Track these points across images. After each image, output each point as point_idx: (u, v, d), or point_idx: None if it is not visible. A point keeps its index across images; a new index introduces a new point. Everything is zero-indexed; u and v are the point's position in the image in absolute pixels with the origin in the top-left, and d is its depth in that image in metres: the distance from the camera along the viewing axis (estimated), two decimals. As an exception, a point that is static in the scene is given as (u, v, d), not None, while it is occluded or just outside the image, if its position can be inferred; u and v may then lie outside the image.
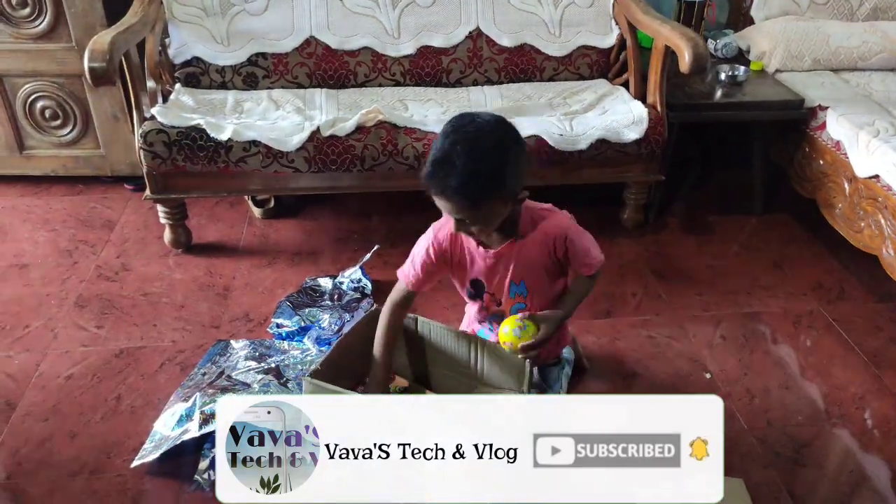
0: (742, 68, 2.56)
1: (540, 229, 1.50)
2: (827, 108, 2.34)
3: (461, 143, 1.30)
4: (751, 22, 2.86)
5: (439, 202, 1.35)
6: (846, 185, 2.21)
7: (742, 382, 1.87)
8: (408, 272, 1.55)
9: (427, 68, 2.54)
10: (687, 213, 2.67)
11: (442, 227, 1.52)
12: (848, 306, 2.18)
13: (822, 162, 2.34)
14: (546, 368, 1.73)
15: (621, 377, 1.88)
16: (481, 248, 1.51)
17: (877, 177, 2.07)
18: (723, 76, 2.54)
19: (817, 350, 2.00)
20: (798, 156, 2.48)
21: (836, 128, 2.27)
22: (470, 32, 2.52)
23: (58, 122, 2.59)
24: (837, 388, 1.87)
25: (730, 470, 1.59)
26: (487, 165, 1.31)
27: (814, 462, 1.65)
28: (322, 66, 2.48)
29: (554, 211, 1.53)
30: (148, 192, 2.20)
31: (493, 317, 1.65)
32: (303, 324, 1.95)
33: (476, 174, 1.29)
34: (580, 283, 1.59)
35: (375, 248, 2.24)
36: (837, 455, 1.68)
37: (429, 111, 2.33)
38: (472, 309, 1.70)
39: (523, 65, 2.57)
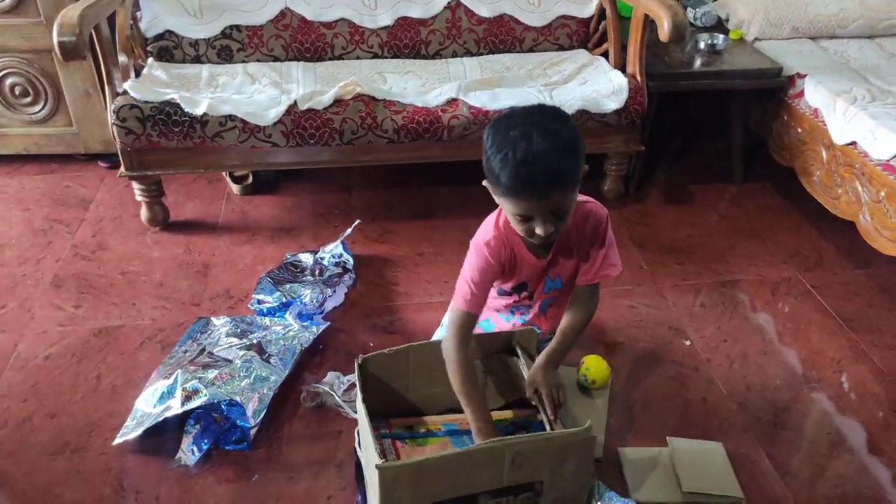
0: (721, 37, 2.55)
1: (582, 219, 1.48)
2: (805, 75, 2.34)
3: (536, 132, 1.25)
4: (729, -10, 2.85)
5: (529, 205, 1.29)
6: (824, 153, 2.22)
7: (721, 349, 1.89)
8: (469, 298, 1.44)
9: (405, 40, 2.50)
10: (667, 183, 2.67)
11: (492, 237, 1.46)
12: (825, 273, 2.20)
13: (800, 130, 2.35)
14: (543, 343, 1.74)
15: (603, 347, 1.89)
16: (532, 256, 1.49)
17: (854, 144, 2.08)
18: (702, 45, 2.53)
19: (795, 316, 2.03)
20: (776, 124, 2.49)
21: (814, 95, 2.28)
22: (448, 3, 2.49)
23: (28, 100, 2.53)
24: (815, 352, 1.89)
25: (710, 435, 1.63)
26: (567, 148, 1.27)
27: (792, 425, 1.67)
28: (298, 39, 2.44)
29: (592, 200, 1.52)
30: (123, 169, 2.16)
31: (520, 307, 1.65)
32: (284, 300, 1.94)
33: (566, 156, 1.26)
34: (579, 307, 1.54)
35: (356, 222, 2.23)
36: (815, 418, 1.71)
37: (408, 83, 2.30)
38: (494, 300, 1.66)
39: (502, 35, 2.55)
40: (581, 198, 1.46)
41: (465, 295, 1.44)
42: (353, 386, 1.68)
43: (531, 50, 2.57)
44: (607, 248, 1.51)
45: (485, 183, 1.37)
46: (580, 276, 1.55)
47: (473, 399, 1.37)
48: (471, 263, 1.47)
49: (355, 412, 1.58)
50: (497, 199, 1.37)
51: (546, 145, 1.24)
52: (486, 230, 1.48)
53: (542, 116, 1.31)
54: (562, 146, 1.26)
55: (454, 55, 2.54)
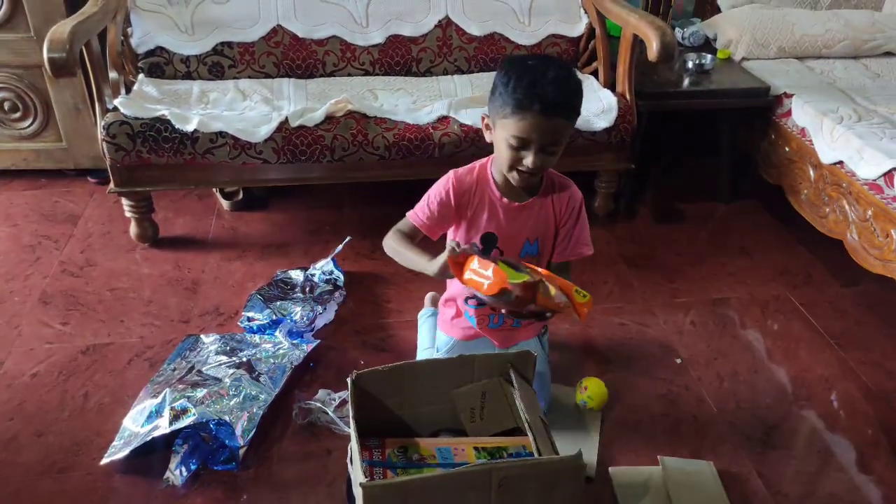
0: (709, 56, 2.58)
1: (561, 189, 1.53)
2: (792, 95, 2.37)
3: (552, 65, 1.35)
4: (717, 10, 2.89)
5: (532, 124, 1.33)
6: (811, 172, 2.25)
7: (712, 367, 1.90)
8: (418, 212, 1.51)
9: (396, 57, 2.52)
10: (657, 201, 2.69)
11: (466, 172, 1.51)
12: (814, 291, 2.22)
13: (787, 149, 2.37)
14: (542, 337, 1.76)
15: (594, 364, 1.89)
16: (505, 199, 1.50)
17: (841, 163, 2.10)
18: (690, 64, 2.56)
19: (784, 334, 2.04)
20: (764, 143, 2.51)
21: (801, 115, 2.30)
22: (439, 21, 2.51)
23: (18, 115, 2.52)
24: (804, 370, 1.90)
25: (700, 453, 1.63)
26: (577, 83, 1.38)
27: (782, 443, 1.68)
28: (289, 56, 2.45)
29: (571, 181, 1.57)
30: (112, 185, 2.15)
31: None
32: (274, 317, 1.93)
33: (576, 89, 1.37)
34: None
35: (347, 239, 2.22)
36: (805, 436, 1.72)
37: (399, 101, 2.31)
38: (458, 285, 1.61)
39: (493, 53, 2.56)
40: (560, 175, 1.56)
41: (420, 210, 1.52)
42: (344, 402, 1.68)
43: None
44: (581, 227, 1.56)
45: (485, 119, 1.46)
46: (555, 253, 1.58)
47: (413, 250, 1.45)
48: (435, 186, 1.52)
49: (348, 427, 1.57)
50: (497, 127, 1.41)
51: (562, 74, 1.35)
52: (466, 167, 1.53)
53: (556, 60, 1.43)
54: (574, 81, 1.38)
55: (445, 73, 2.55)
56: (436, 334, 1.77)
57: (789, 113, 2.36)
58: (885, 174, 1.93)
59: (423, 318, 1.91)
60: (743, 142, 2.66)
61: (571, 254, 1.57)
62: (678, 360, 1.92)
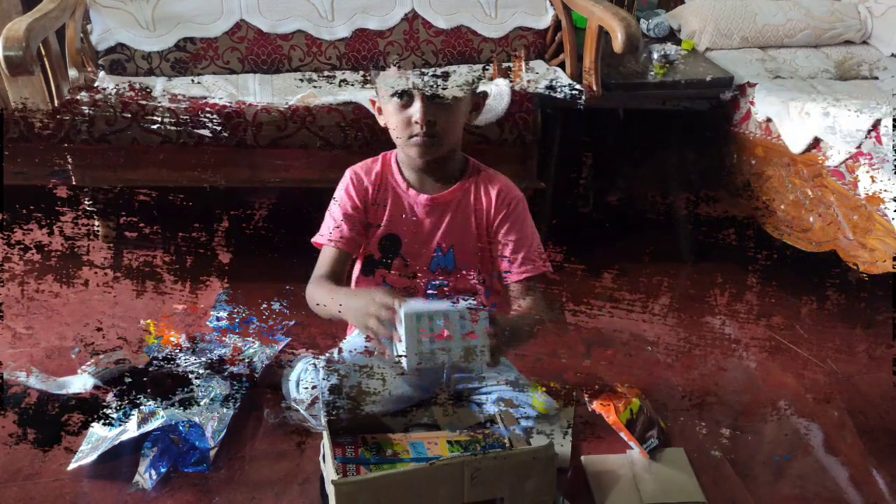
0: (674, 48, 2.59)
1: (486, 181, 1.36)
2: (755, 84, 2.40)
3: None
4: (681, 1, 2.91)
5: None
6: (783, 172, 2.21)
7: (682, 354, 1.92)
8: (328, 231, 1.34)
9: (363, 51, 2.50)
10: (627, 193, 2.71)
11: (361, 166, 1.36)
12: (782, 277, 2.25)
13: (753, 144, 2.38)
14: None
15: (565, 354, 1.90)
16: (412, 191, 1.33)
17: (815, 147, 2.08)
18: (655, 56, 2.57)
19: (752, 321, 2.07)
20: (729, 136, 2.52)
21: (765, 105, 2.32)
22: (405, 14, 2.50)
23: (-26, 115, 2.46)
24: (772, 355, 1.93)
25: (671, 440, 1.64)
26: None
27: (752, 429, 1.70)
28: (254, 51, 2.42)
29: (509, 180, 1.41)
30: (74, 184, 2.11)
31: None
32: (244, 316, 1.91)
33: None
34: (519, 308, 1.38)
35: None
36: (773, 420, 1.74)
37: (366, 95, 2.29)
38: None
39: (460, 47, 2.56)
40: (488, 169, 1.42)
41: (321, 230, 1.36)
42: (316, 400, 1.66)
43: (489, 61, 2.58)
44: (529, 229, 1.38)
45: (375, 102, 1.34)
46: (503, 270, 1.41)
47: (339, 290, 1.30)
48: (336, 192, 1.37)
49: (321, 425, 1.56)
50: (384, 102, 1.30)
51: None
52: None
53: None
54: None
55: (413, 67, 2.53)
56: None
57: (753, 102, 2.39)
58: (844, 161, 1.96)
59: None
60: (709, 133, 2.68)
61: (521, 273, 1.37)
62: (649, 349, 1.93)
